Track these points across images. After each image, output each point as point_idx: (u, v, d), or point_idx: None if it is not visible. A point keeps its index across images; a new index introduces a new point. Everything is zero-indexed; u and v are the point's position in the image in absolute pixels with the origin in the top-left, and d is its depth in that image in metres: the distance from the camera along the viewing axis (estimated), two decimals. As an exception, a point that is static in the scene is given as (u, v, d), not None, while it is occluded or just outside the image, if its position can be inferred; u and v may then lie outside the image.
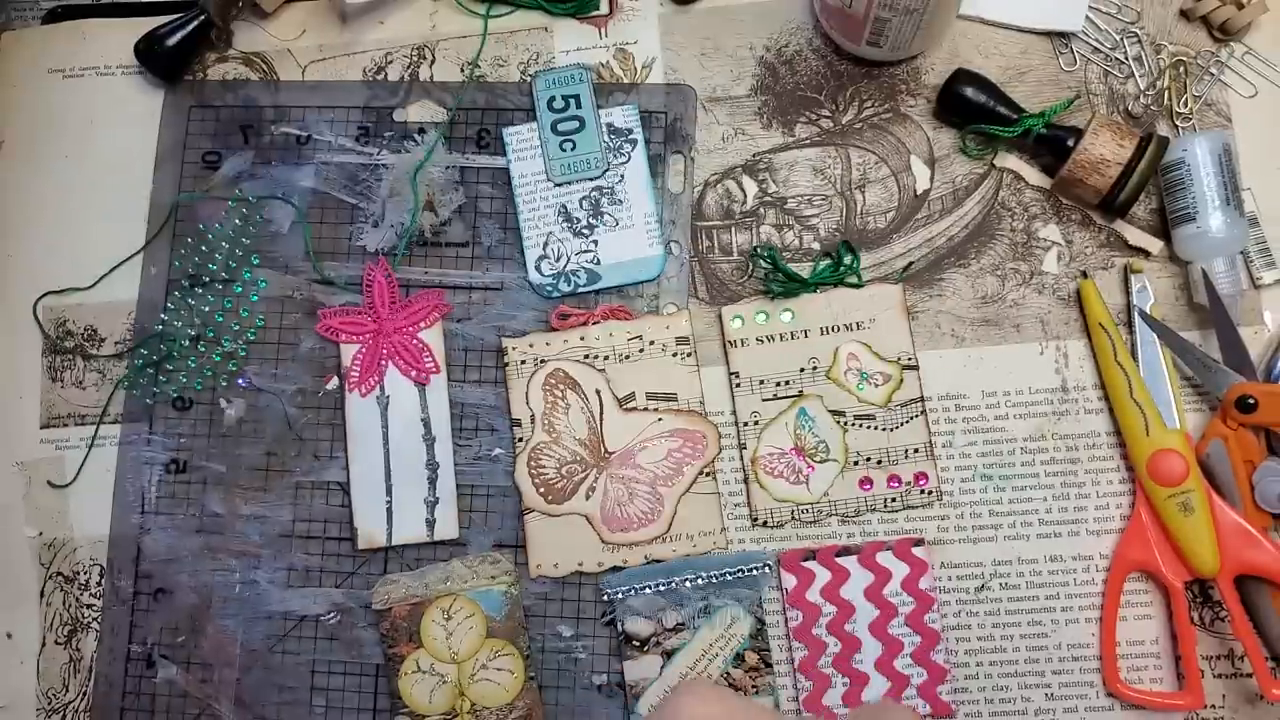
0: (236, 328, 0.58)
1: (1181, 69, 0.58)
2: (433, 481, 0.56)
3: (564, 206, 0.58)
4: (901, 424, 0.55)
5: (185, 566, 0.56)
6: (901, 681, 0.54)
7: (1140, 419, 0.53)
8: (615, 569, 0.55)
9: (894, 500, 0.55)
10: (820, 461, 0.55)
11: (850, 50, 0.58)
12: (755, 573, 0.54)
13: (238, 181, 0.59)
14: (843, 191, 0.58)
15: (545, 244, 0.58)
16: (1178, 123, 0.58)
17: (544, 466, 0.56)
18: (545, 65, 0.60)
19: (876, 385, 0.56)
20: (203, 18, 0.59)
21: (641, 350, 0.56)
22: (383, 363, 0.57)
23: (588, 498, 0.55)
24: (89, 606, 0.56)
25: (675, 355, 0.56)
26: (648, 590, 0.54)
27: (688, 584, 0.54)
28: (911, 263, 0.57)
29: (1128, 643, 0.54)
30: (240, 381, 0.58)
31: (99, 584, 0.57)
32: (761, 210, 0.58)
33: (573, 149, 0.58)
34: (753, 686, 0.54)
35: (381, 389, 0.57)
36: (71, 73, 0.61)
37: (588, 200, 0.58)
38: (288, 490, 0.57)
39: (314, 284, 0.58)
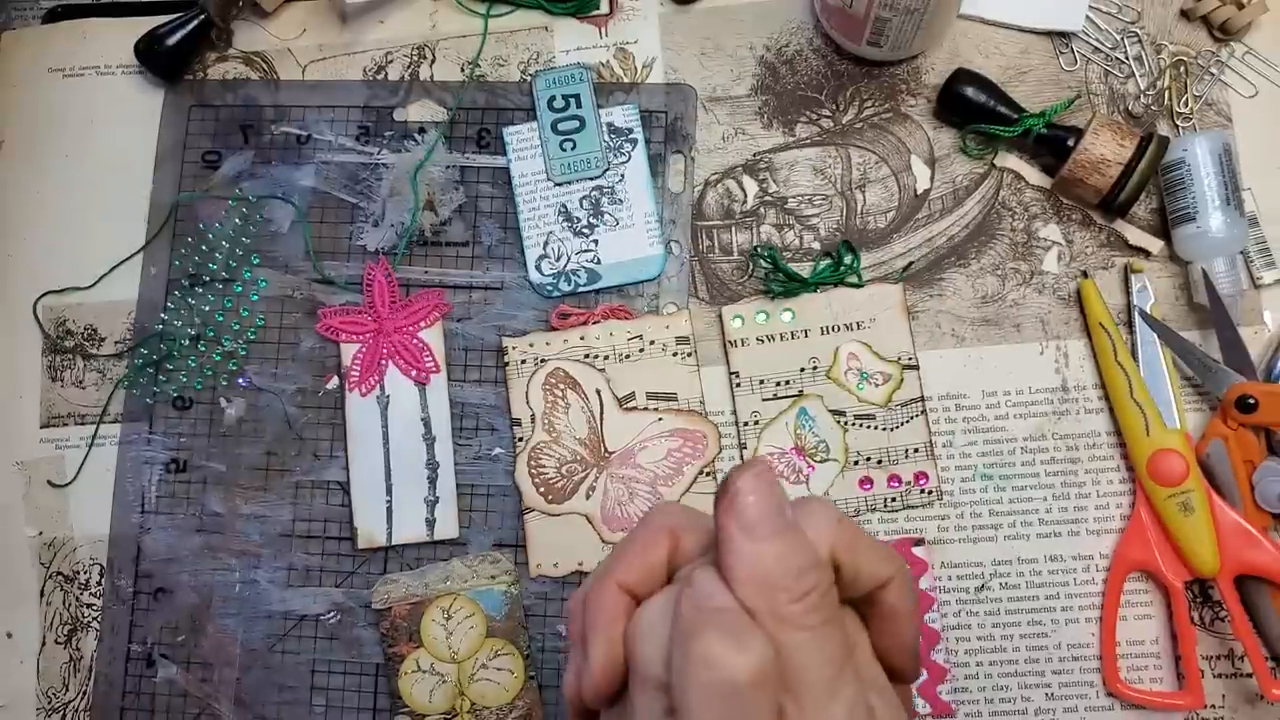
0: (236, 327, 0.58)
1: (1181, 69, 0.58)
2: (433, 481, 0.56)
3: (564, 206, 0.58)
4: (901, 424, 0.55)
5: (185, 566, 0.56)
6: (901, 681, 0.54)
7: (1140, 419, 0.53)
8: (615, 569, 0.55)
9: (894, 500, 0.55)
10: (820, 461, 0.55)
11: (850, 50, 0.58)
12: (755, 572, 0.54)
13: (238, 181, 0.59)
14: (843, 191, 0.58)
15: (545, 243, 0.58)
16: (1178, 123, 0.58)
17: (544, 466, 0.56)
18: (545, 65, 0.60)
19: (876, 385, 0.56)
20: (203, 17, 0.59)
21: (641, 350, 0.56)
22: (383, 362, 0.57)
23: (588, 497, 0.55)
24: (89, 606, 0.56)
25: (675, 355, 0.56)
26: (648, 590, 0.54)
27: (688, 584, 0.54)
28: (912, 262, 0.57)
29: (1128, 643, 0.54)
30: (240, 381, 0.58)
31: (99, 584, 0.57)
32: (762, 210, 0.58)
33: (573, 149, 0.58)
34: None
35: (381, 388, 0.57)
36: (71, 72, 0.61)
37: (588, 200, 0.58)
38: (288, 490, 0.57)
39: (314, 283, 0.58)
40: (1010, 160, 0.58)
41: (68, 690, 0.56)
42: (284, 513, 0.56)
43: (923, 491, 0.55)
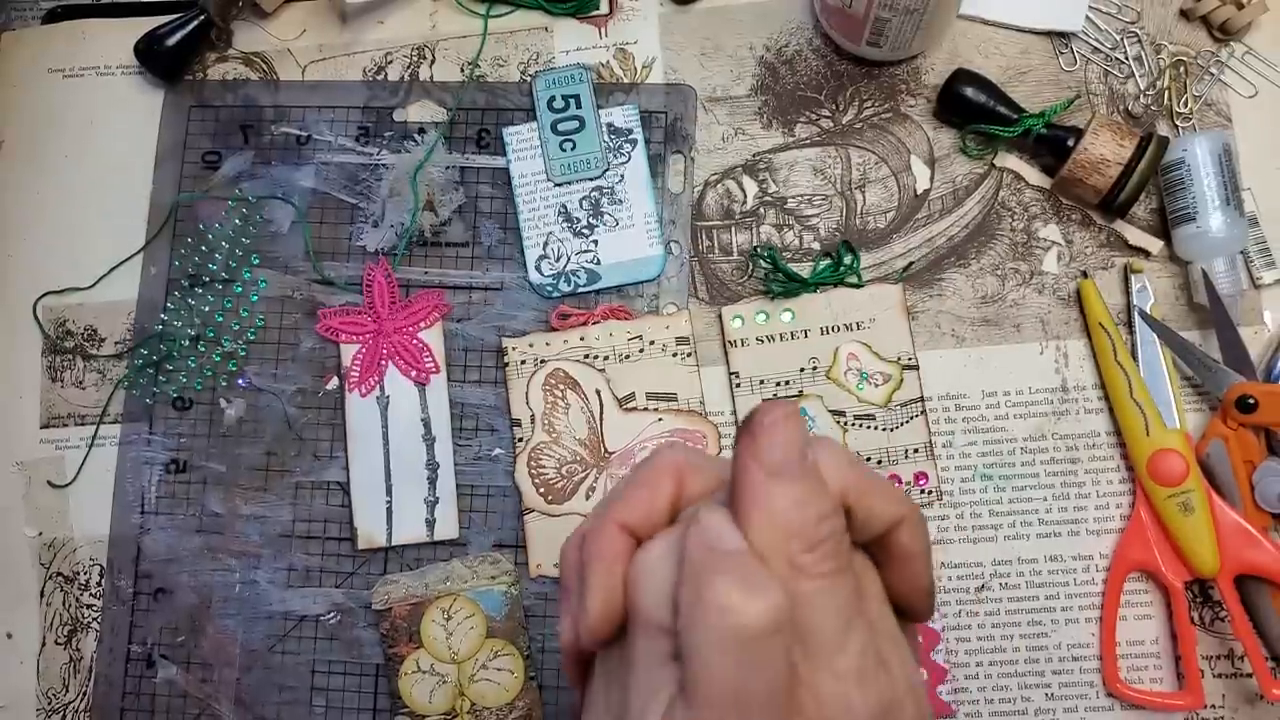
0: (236, 328, 0.58)
1: (1181, 69, 0.58)
2: (433, 481, 0.56)
3: (564, 206, 0.58)
4: (901, 424, 0.55)
5: (185, 566, 0.56)
6: (901, 681, 0.53)
7: (1140, 419, 0.53)
8: (615, 569, 0.55)
9: (894, 500, 0.55)
10: (820, 461, 0.55)
11: (850, 50, 0.58)
12: (755, 573, 0.54)
13: (238, 181, 0.59)
14: (843, 191, 0.58)
15: (545, 244, 0.58)
16: (1178, 123, 0.58)
17: (544, 466, 0.56)
18: (545, 65, 0.60)
19: (876, 385, 0.56)
20: (203, 18, 0.59)
21: (641, 350, 0.56)
22: (383, 363, 0.57)
23: (588, 498, 0.55)
24: (89, 606, 0.56)
25: (675, 355, 0.56)
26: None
27: (688, 584, 0.54)
28: (911, 263, 0.57)
29: (1128, 643, 0.54)
30: (240, 381, 0.58)
31: (99, 584, 0.57)
32: (761, 210, 0.58)
33: (573, 149, 0.58)
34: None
35: (381, 389, 0.57)
36: (71, 73, 0.61)
37: (588, 200, 0.58)
38: (288, 490, 0.57)
39: (314, 284, 0.58)
40: (1010, 160, 0.58)
41: (68, 691, 0.56)
42: (284, 513, 0.56)
43: (923, 492, 0.55)
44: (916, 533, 0.32)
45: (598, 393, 0.56)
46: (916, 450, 0.55)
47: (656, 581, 0.29)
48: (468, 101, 0.60)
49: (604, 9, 0.60)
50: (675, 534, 0.30)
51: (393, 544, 0.56)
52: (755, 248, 0.58)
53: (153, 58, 0.60)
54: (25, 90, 0.61)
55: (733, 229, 0.58)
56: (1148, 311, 0.55)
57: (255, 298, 0.58)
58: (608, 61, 0.60)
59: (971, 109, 0.56)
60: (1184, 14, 0.59)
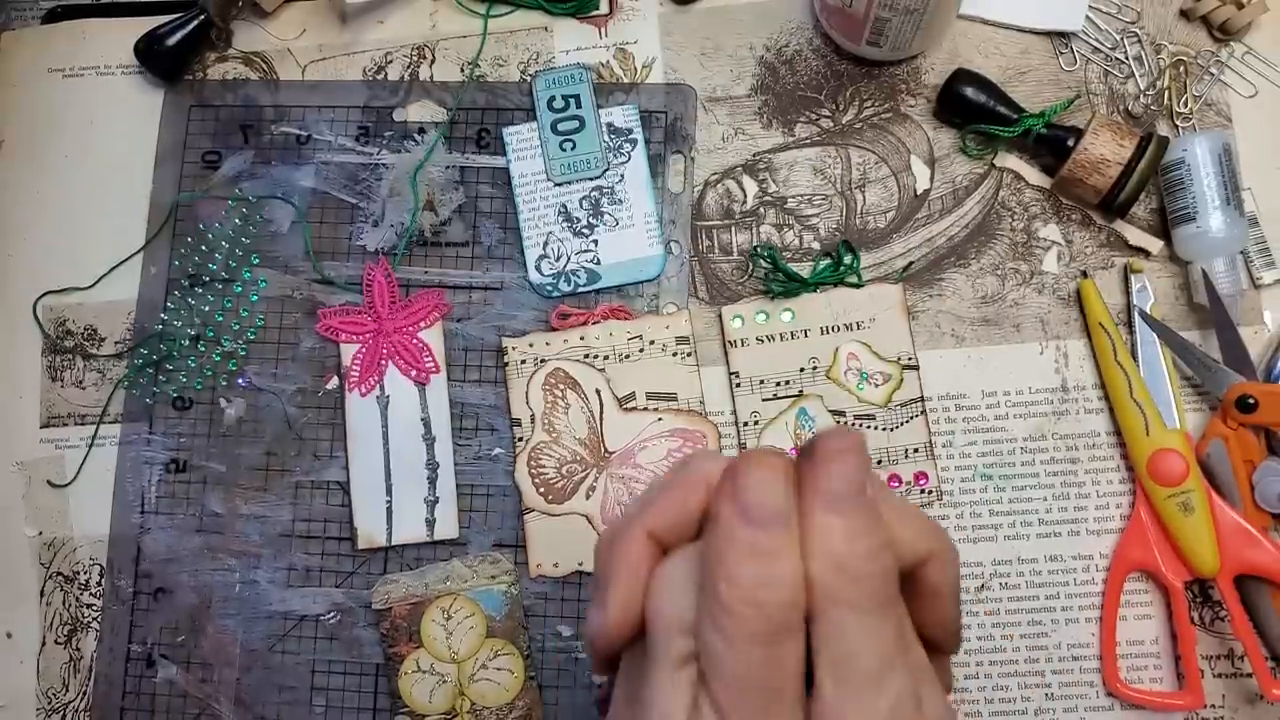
0: (236, 327, 0.58)
1: (1181, 69, 0.58)
2: (433, 481, 0.56)
3: (564, 206, 0.58)
4: (901, 424, 0.55)
5: (185, 566, 0.56)
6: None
7: (1140, 419, 0.53)
8: (615, 569, 0.55)
9: (894, 500, 0.55)
10: (820, 461, 0.55)
11: (850, 50, 0.58)
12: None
13: (238, 181, 0.59)
14: (843, 191, 0.58)
15: (545, 244, 0.58)
16: (1178, 123, 0.58)
17: (544, 466, 0.56)
18: (545, 65, 0.60)
19: (876, 385, 0.56)
20: (203, 18, 0.59)
21: (641, 350, 0.56)
22: (383, 362, 0.57)
23: (588, 497, 0.55)
24: (89, 606, 0.56)
25: (675, 355, 0.56)
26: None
27: (688, 584, 0.54)
28: (911, 263, 0.57)
29: (1128, 642, 0.54)
30: (240, 381, 0.58)
31: (99, 584, 0.57)
32: (761, 210, 0.58)
33: (573, 149, 0.58)
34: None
35: (381, 389, 0.57)
36: (71, 73, 0.61)
37: (588, 200, 0.58)
38: (288, 490, 0.57)
39: (314, 284, 0.58)
40: (1010, 160, 0.58)
41: (68, 690, 0.56)
42: (284, 513, 0.56)
43: (923, 491, 0.55)
44: (946, 569, 0.31)
45: (598, 392, 0.56)
46: (916, 450, 0.55)
47: (676, 596, 0.29)
48: (468, 101, 0.60)
49: (604, 9, 0.60)
50: (696, 550, 0.30)
51: (393, 544, 0.56)
52: (755, 247, 0.58)
53: (153, 58, 0.60)
54: (25, 90, 0.61)
55: (733, 229, 0.58)
56: (1148, 311, 0.55)
57: (255, 297, 0.58)
58: (608, 61, 0.60)
59: (971, 109, 0.56)
60: (1184, 14, 0.59)
